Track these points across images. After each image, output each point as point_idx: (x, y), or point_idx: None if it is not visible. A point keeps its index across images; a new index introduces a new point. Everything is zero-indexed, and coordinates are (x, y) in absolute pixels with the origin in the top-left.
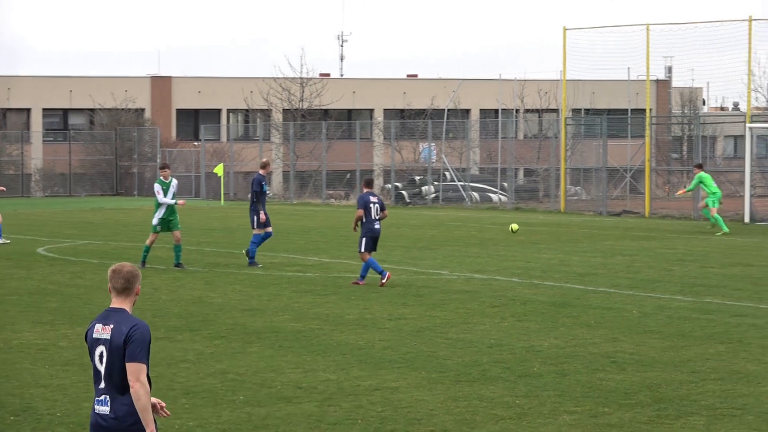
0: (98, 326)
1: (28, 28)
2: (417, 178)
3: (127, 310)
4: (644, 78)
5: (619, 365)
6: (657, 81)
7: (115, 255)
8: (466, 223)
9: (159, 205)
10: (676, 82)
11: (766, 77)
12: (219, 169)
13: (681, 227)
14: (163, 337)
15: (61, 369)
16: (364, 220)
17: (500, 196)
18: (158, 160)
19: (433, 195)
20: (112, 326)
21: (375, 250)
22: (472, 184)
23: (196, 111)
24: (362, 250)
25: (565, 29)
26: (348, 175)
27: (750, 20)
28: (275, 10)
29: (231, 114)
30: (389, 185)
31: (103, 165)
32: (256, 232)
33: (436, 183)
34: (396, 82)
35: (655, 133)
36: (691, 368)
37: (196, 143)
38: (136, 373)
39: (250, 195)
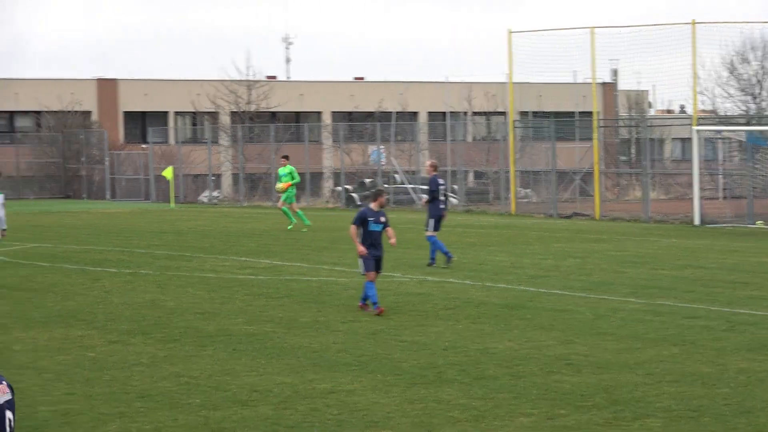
0: None
1: None
2: (367, 180)
3: None
4: (590, 81)
5: (574, 367)
6: (603, 84)
7: (64, 258)
8: (417, 226)
9: None
10: (622, 85)
11: (711, 80)
12: (168, 173)
13: (631, 229)
14: (116, 341)
15: (15, 372)
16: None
17: (451, 198)
18: (106, 163)
19: None
20: None
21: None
22: (422, 186)
23: (143, 113)
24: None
25: (510, 32)
26: None
27: (693, 23)
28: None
29: (178, 116)
30: (339, 188)
31: (51, 168)
32: (430, 234)
33: (386, 185)
34: (343, 85)
35: (603, 135)
36: (646, 370)
37: (143, 146)
38: None
39: (426, 196)
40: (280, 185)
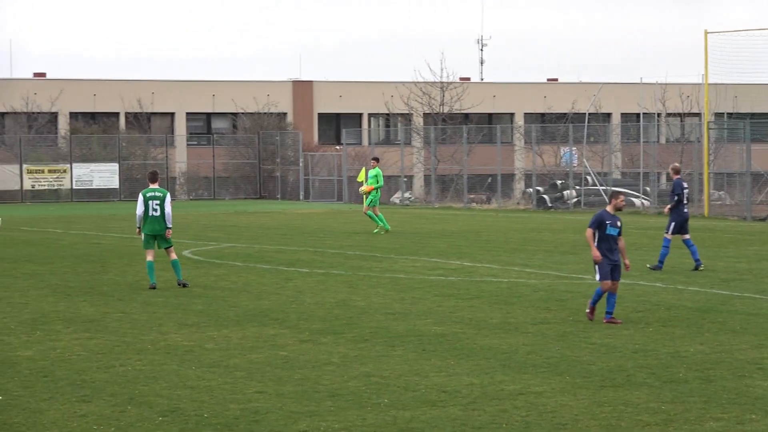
0: None
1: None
2: (558, 182)
3: None
4: None
5: (767, 372)
6: None
7: (258, 257)
8: None
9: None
10: None
11: None
12: (361, 176)
13: None
14: (307, 340)
15: (207, 370)
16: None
17: (643, 200)
18: (300, 164)
19: (575, 199)
20: None
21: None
22: (613, 188)
23: (338, 115)
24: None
25: (706, 32)
26: (489, 179)
27: None
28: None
29: (372, 118)
30: (530, 189)
31: (246, 168)
32: (668, 236)
33: (577, 187)
34: (536, 86)
35: None
36: None
37: (337, 147)
38: None
39: (672, 200)
40: (364, 188)
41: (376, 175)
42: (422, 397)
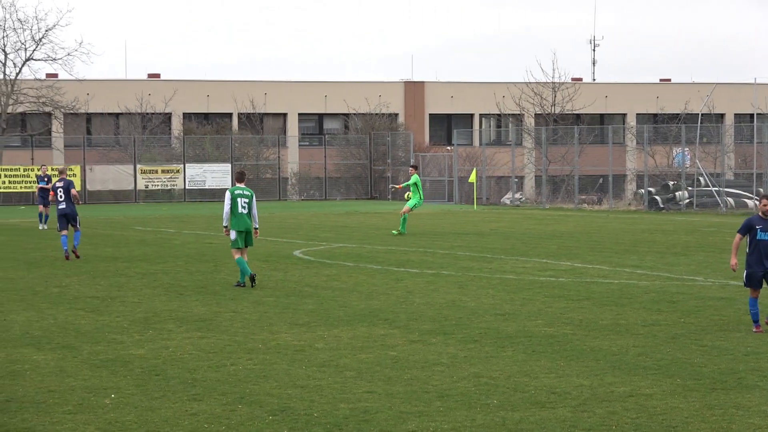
0: None
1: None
2: (670, 183)
3: None
4: None
5: None
6: None
7: (369, 258)
8: (720, 229)
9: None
10: None
11: None
12: (473, 177)
13: None
14: (417, 341)
15: (317, 370)
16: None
17: (756, 201)
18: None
19: (687, 200)
20: None
21: None
22: (726, 189)
23: (449, 116)
24: None
25: None
26: (600, 180)
27: None
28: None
29: (483, 118)
30: (642, 190)
31: (358, 169)
32: None
33: (690, 188)
34: (649, 87)
35: None
36: None
37: (448, 148)
38: None
39: None
40: (408, 193)
41: (415, 183)
42: (531, 399)
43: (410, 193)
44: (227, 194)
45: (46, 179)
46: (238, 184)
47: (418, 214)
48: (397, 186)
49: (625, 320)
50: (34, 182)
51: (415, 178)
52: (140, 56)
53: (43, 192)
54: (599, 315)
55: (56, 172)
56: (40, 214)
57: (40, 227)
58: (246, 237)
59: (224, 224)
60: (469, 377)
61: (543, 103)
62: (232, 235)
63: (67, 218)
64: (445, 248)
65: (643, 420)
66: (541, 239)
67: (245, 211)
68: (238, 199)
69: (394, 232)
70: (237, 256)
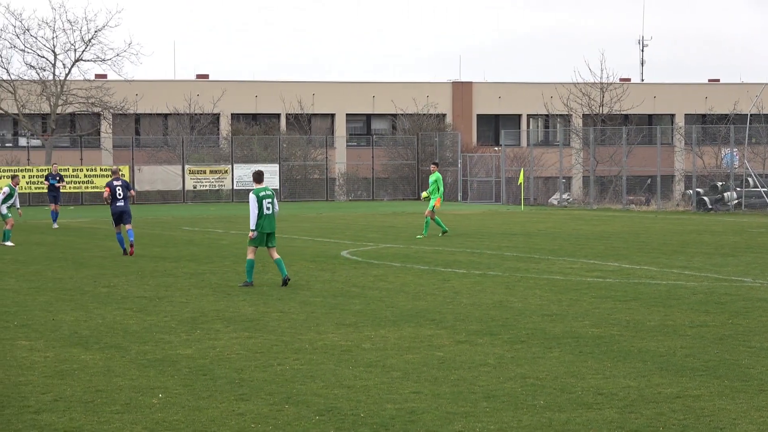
0: None
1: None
2: (719, 184)
3: None
4: None
5: None
6: None
7: (416, 258)
8: None
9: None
10: None
11: None
12: (521, 178)
13: None
14: (464, 341)
15: (364, 370)
16: None
17: None
18: (459, 165)
19: (736, 201)
20: None
21: None
22: None
23: (497, 116)
24: None
25: None
26: (648, 181)
27: None
28: (575, 14)
29: (531, 119)
30: (690, 191)
31: (405, 169)
32: None
33: (738, 189)
34: (697, 87)
35: None
36: None
37: (496, 148)
38: None
39: None
40: (425, 194)
41: (436, 180)
42: (578, 400)
43: (429, 195)
44: (252, 197)
45: (57, 178)
46: (258, 185)
47: (467, 215)
48: (425, 194)
49: (673, 321)
50: (66, 183)
51: (436, 175)
52: (189, 57)
53: (53, 190)
54: (646, 316)
55: (109, 173)
56: (53, 213)
57: (54, 226)
58: (269, 237)
59: (251, 227)
60: (516, 378)
61: (591, 104)
62: (255, 235)
63: (123, 216)
64: (492, 249)
65: (691, 421)
66: (589, 240)
67: (270, 212)
68: (263, 201)
69: (419, 236)
70: (251, 256)
